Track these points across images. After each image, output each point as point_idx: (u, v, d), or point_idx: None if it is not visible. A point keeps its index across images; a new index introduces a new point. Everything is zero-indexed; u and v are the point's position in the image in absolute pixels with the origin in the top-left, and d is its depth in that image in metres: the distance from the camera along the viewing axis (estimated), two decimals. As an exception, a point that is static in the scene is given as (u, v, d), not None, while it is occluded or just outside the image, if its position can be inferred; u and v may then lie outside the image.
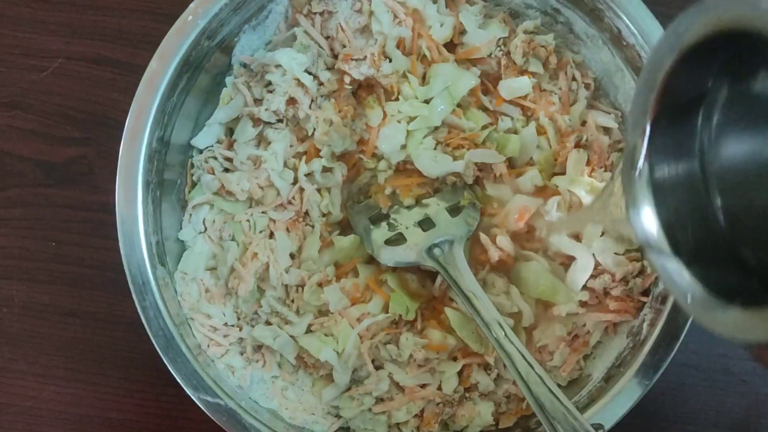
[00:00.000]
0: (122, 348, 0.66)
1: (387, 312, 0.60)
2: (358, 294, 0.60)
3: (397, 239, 0.60)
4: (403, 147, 0.61)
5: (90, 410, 0.66)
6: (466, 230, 0.60)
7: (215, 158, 0.61)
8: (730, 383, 0.67)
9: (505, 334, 0.52)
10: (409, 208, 0.62)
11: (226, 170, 0.62)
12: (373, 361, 0.60)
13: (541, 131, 0.63)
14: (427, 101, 0.61)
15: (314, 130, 0.60)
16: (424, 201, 0.62)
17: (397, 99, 0.62)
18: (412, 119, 0.61)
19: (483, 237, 0.60)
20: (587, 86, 0.63)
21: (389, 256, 0.59)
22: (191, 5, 0.55)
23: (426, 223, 0.60)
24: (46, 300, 0.67)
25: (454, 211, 0.61)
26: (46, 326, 0.67)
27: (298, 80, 0.59)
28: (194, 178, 0.62)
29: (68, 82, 0.69)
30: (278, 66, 0.59)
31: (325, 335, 0.59)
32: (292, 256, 0.61)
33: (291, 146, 0.62)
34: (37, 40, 0.69)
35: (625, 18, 0.55)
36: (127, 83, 0.67)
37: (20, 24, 0.69)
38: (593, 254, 0.59)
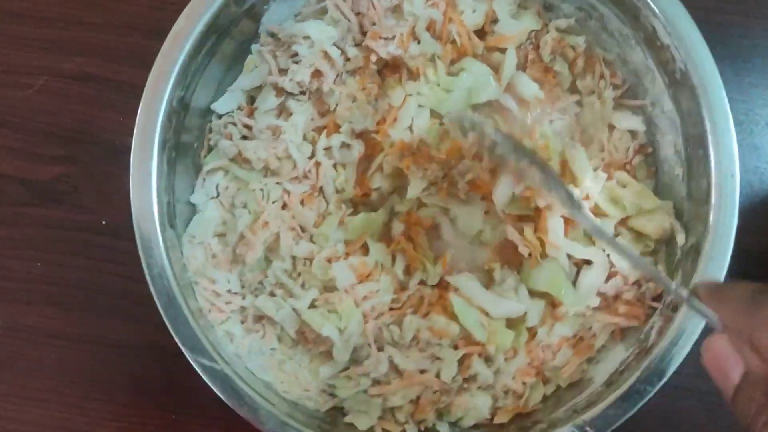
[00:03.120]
0: (107, 370, 0.65)
1: (394, 292, 0.59)
2: (366, 272, 0.59)
3: None
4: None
5: (74, 434, 0.65)
6: None
7: (234, 124, 0.61)
8: (726, 406, 0.66)
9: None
10: None
11: (245, 138, 0.61)
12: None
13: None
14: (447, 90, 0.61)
15: (336, 105, 0.59)
16: None
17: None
18: (427, 102, 0.60)
19: (510, 230, 0.58)
20: (615, 86, 0.62)
21: None
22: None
23: None
24: (30, 321, 0.66)
25: None
26: (30, 348, 0.65)
27: (326, 53, 0.59)
28: (211, 142, 0.62)
29: (53, 100, 0.67)
30: (306, 37, 0.59)
31: (329, 312, 0.58)
32: (302, 228, 0.60)
33: (312, 120, 0.61)
34: (22, 57, 0.68)
35: (661, 16, 0.54)
36: (112, 100, 0.67)
37: (4, 41, 0.68)
38: (608, 256, 0.58)
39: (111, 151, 0.66)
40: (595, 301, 0.59)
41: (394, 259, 0.60)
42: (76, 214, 0.66)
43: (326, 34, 0.58)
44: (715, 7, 0.67)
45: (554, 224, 0.57)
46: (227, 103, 0.61)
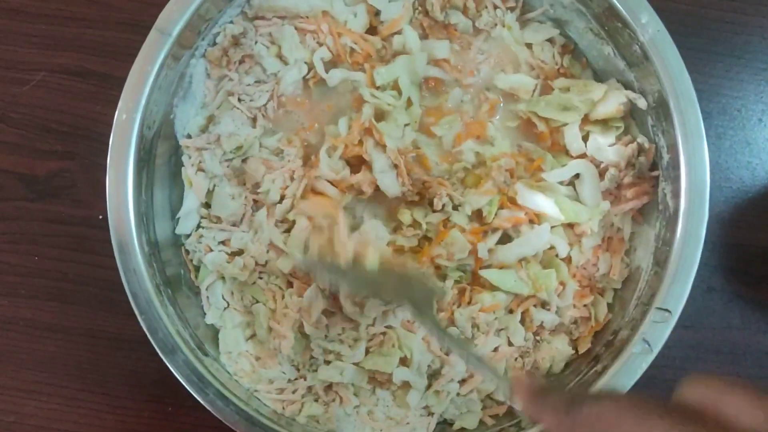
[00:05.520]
0: (103, 363, 0.65)
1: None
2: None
3: None
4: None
5: (72, 426, 0.65)
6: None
7: (204, 236, 0.60)
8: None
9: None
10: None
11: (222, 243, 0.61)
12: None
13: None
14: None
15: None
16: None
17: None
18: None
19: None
20: (511, 9, 0.63)
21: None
22: (120, 104, 0.54)
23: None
24: (28, 315, 0.65)
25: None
26: (28, 341, 0.65)
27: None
28: (194, 262, 0.61)
29: (51, 95, 0.67)
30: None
31: (388, 349, 0.58)
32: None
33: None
34: (20, 53, 0.67)
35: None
36: (110, 96, 0.64)
37: (2, 37, 0.68)
38: (592, 158, 0.59)
39: (108, 146, 0.65)
40: (606, 205, 0.60)
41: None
42: (74, 208, 0.66)
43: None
44: (708, 3, 0.68)
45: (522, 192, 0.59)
46: (187, 223, 0.61)
